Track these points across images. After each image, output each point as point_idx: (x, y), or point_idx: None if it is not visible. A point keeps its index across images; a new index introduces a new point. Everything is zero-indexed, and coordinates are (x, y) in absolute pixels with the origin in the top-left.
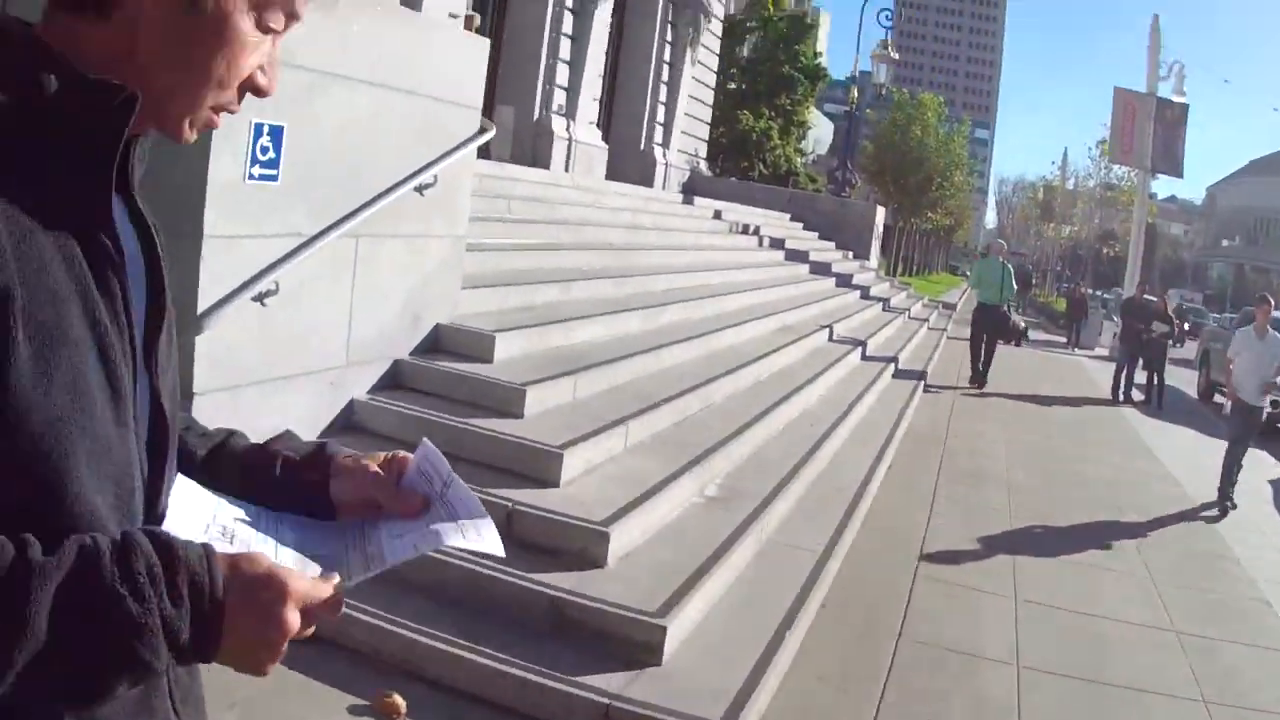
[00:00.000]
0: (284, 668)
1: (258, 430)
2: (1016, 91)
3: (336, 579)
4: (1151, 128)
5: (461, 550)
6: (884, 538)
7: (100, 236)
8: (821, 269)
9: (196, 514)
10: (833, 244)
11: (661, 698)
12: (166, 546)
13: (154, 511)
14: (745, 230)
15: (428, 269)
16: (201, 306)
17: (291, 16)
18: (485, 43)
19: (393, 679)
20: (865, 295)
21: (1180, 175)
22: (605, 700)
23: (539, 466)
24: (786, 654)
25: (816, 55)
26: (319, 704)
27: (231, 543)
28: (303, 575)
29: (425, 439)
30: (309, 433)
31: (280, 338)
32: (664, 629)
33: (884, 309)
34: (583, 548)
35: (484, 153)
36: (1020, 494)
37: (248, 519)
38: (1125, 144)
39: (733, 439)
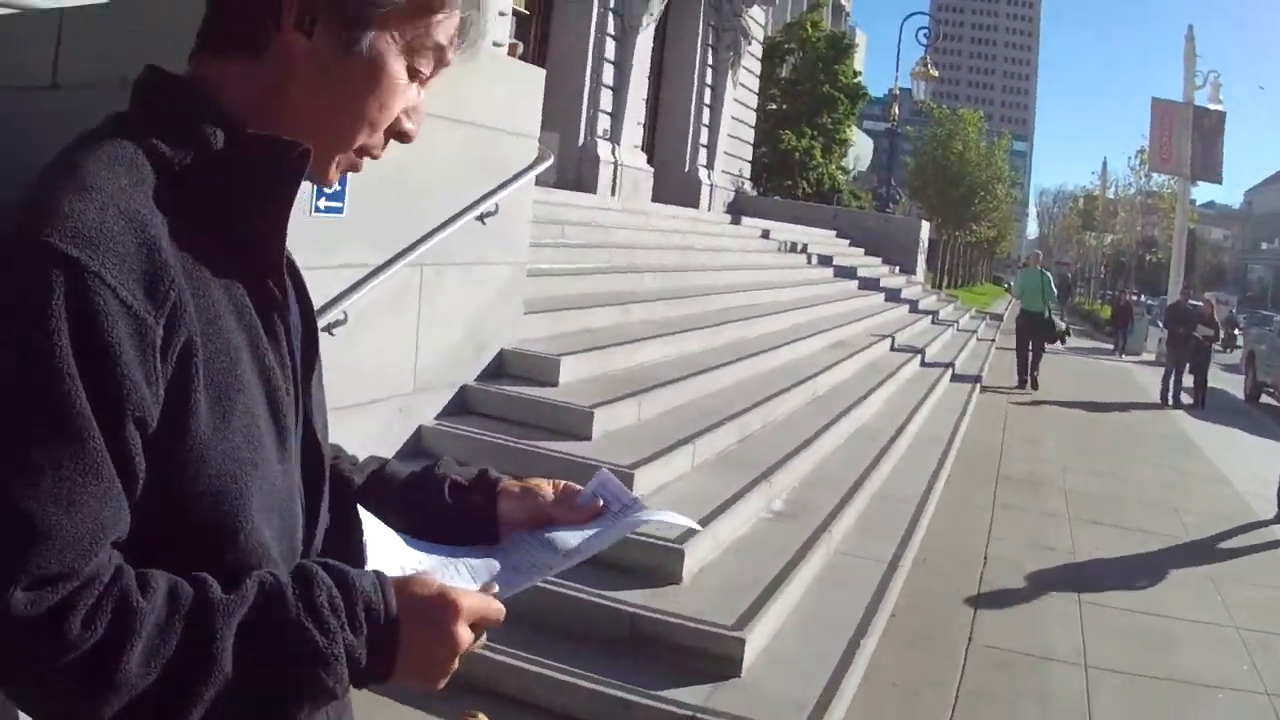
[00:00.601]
0: (362, 693)
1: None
2: (1053, 103)
3: (496, 589)
4: (1190, 135)
5: (656, 521)
6: (948, 545)
7: (268, 283)
8: (870, 284)
9: (390, 556)
10: (879, 259)
11: (743, 709)
12: (342, 576)
13: (312, 542)
14: (794, 249)
15: (490, 295)
16: None
17: (440, 63)
18: (540, 72)
19: (477, 699)
20: (914, 309)
21: (1219, 181)
22: (688, 713)
23: None
24: (861, 662)
25: (855, 74)
26: None
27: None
28: (471, 591)
29: (603, 469)
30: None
31: (349, 367)
32: (742, 641)
33: (932, 321)
34: (658, 565)
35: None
36: (1077, 498)
37: (430, 557)
38: (1164, 153)
39: (795, 455)
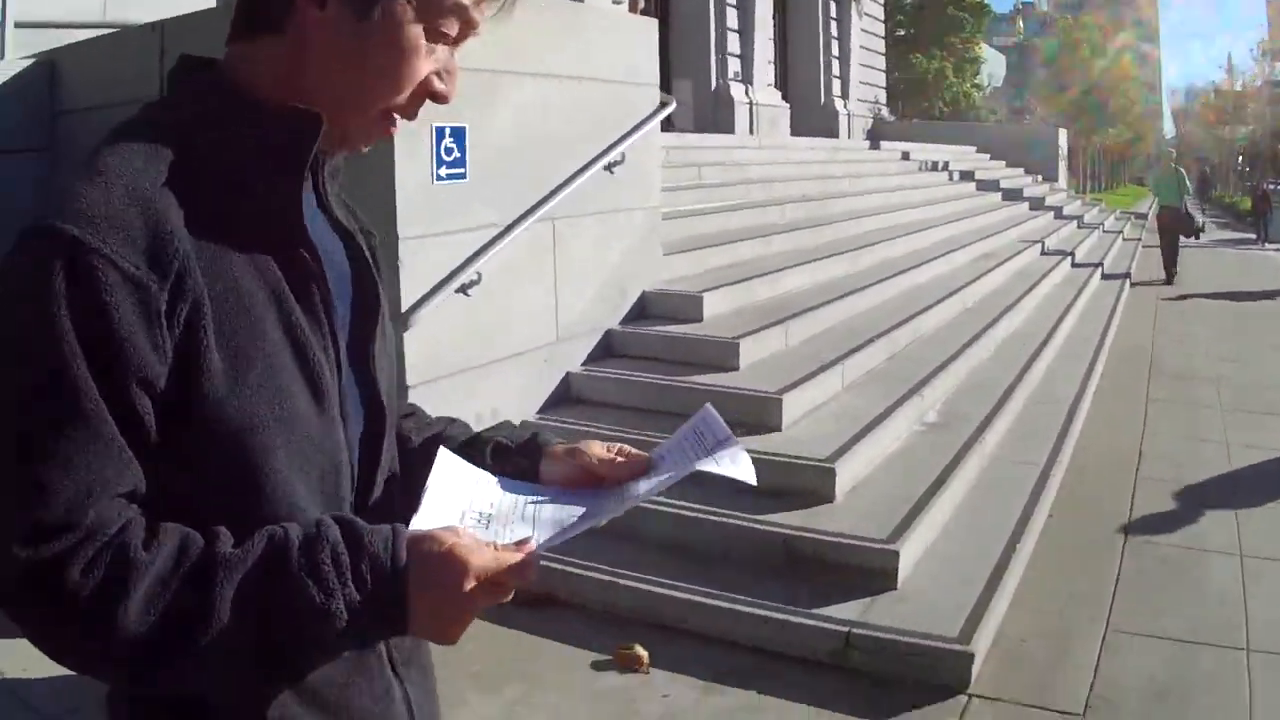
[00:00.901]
0: (522, 632)
1: (473, 413)
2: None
3: (529, 545)
4: None
5: (716, 474)
6: (1103, 445)
7: (300, 251)
8: (1013, 195)
9: (454, 499)
10: (1021, 170)
11: (899, 620)
12: (354, 532)
13: (367, 495)
14: (934, 167)
15: (626, 242)
16: (405, 304)
17: (467, 24)
18: (653, 22)
19: (632, 631)
20: (1059, 215)
21: None
22: (844, 628)
23: (759, 414)
24: (1018, 566)
25: None
26: (561, 663)
27: (488, 526)
28: (485, 549)
29: (708, 405)
30: (528, 409)
31: (488, 324)
32: (896, 554)
33: (1078, 226)
34: (810, 486)
35: (668, 127)
36: (1230, 389)
37: (507, 498)
38: None
39: (946, 366)
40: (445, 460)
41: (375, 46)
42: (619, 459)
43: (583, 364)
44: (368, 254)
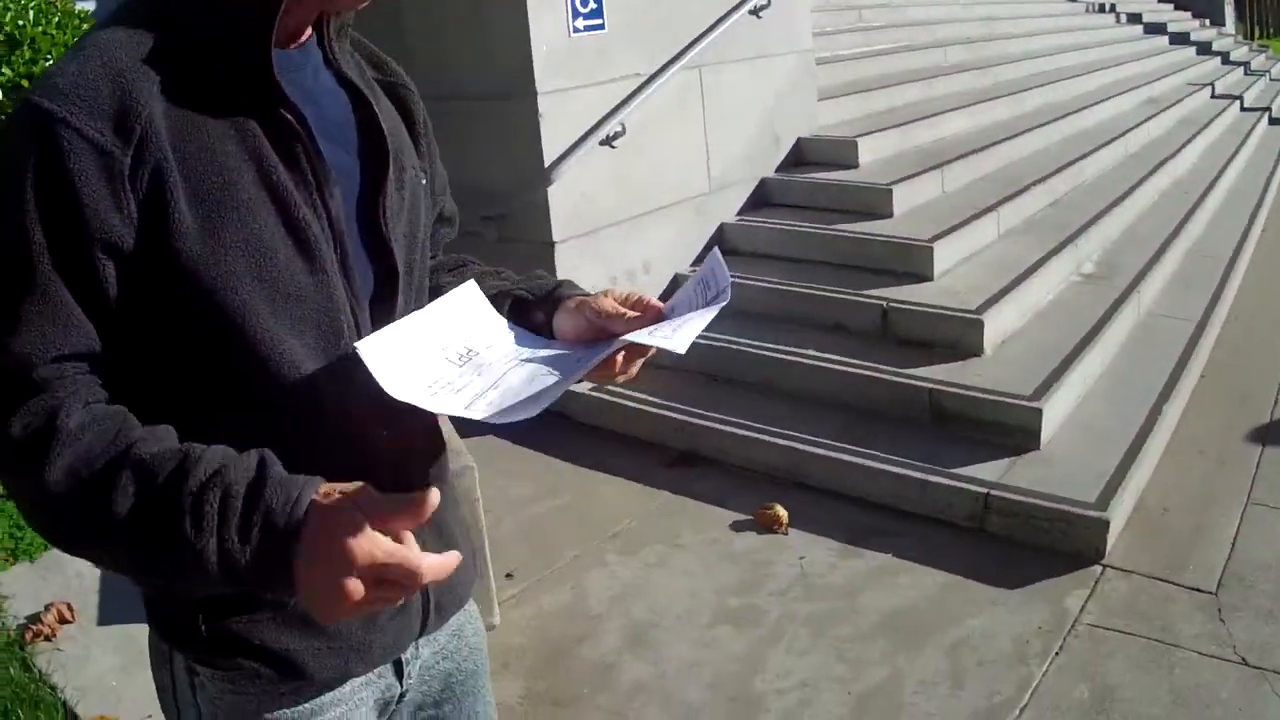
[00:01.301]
0: (666, 491)
1: (623, 268)
2: None
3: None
4: None
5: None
6: (1260, 301)
7: (278, 110)
8: (1180, 39)
9: (451, 328)
10: (1189, 14)
11: (1038, 483)
12: (259, 479)
13: None
14: (1101, 9)
15: (778, 87)
16: (547, 160)
17: None
18: None
19: (776, 491)
20: (1225, 60)
21: None
22: (983, 490)
23: (910, 262)
24: (1165, 428)
25: None
26: (701, 521)
27: (462, 364)
28: (381, 544)
29: (716, 249)
30: (681, 261)
31: (635, 176)
32: (1040, 412)
33: (1245, 72)
34: (958, 337)
35: None
36: None
37: (500, 340)
38: None
39: (1105, 215)
40: (466, 292)
41: None
42: (630, 312)
43: (737, 214)
44: (382, 102)
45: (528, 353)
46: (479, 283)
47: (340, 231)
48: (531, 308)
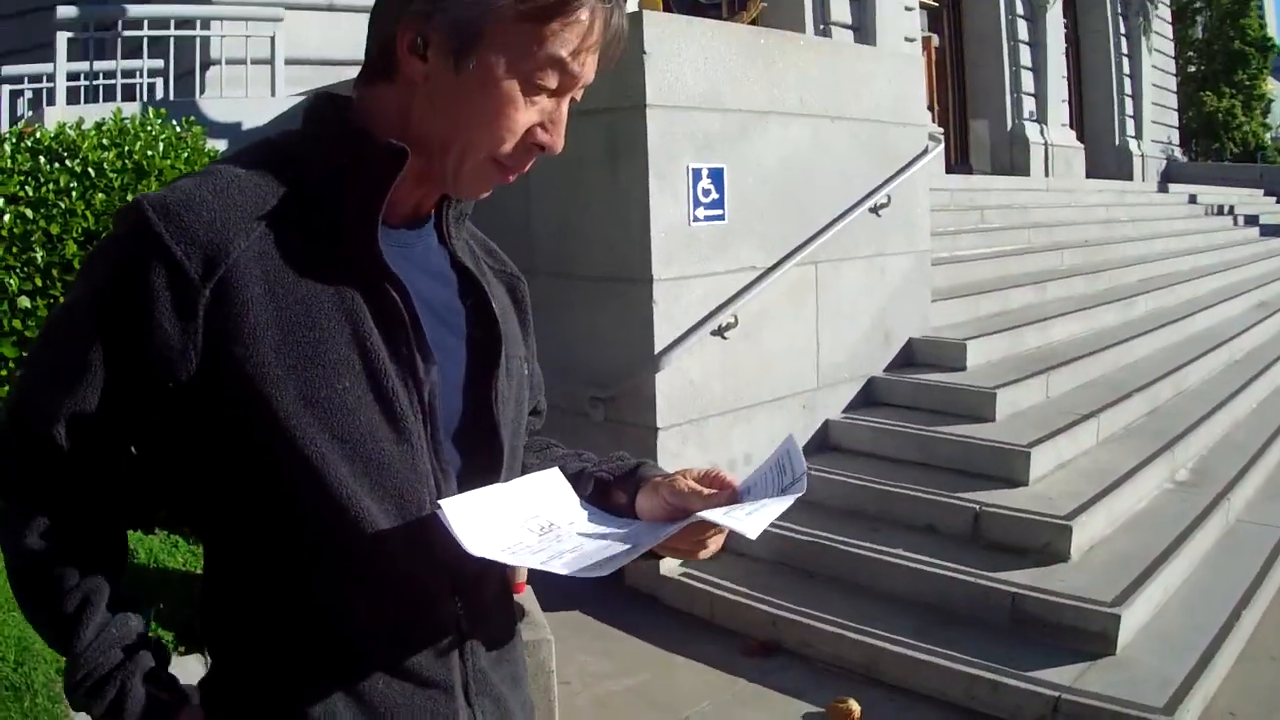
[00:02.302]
0: (744, 679)
1: (726, 458)
2: None
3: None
4: None
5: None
6: None
7: (382, 284)
8: None
9: (533, 502)
10: None
11: (1108, 687)
12: (124, 688)
13: None
14: (1219, 211)
15: (892, 286)
16: (658, 346)
17: (568, 75)
18: (919, 59)
19: (851, 686)
20: None
21: None
22: (1054, 693)
23: (1007, 466)
24: (1240, 636)
25: (1262, 25)
26: (773, 711)
27: (540, 535)
28: None
29: (791, 435)
30: None
31: (744, 368)
32: (1118, 618)
33: None
34: (1046, 543)
35: (962, 168)
36: None
37: (579, 518)
38: None
39: (1203, 422)
40: (550, 475)
41: (471, 97)
42: (705, 489)
43: (843, 411)
44: (498, 294)
45: (605, 529)
46: (562, 464)
47: (433, 408)
48: (613, 489)
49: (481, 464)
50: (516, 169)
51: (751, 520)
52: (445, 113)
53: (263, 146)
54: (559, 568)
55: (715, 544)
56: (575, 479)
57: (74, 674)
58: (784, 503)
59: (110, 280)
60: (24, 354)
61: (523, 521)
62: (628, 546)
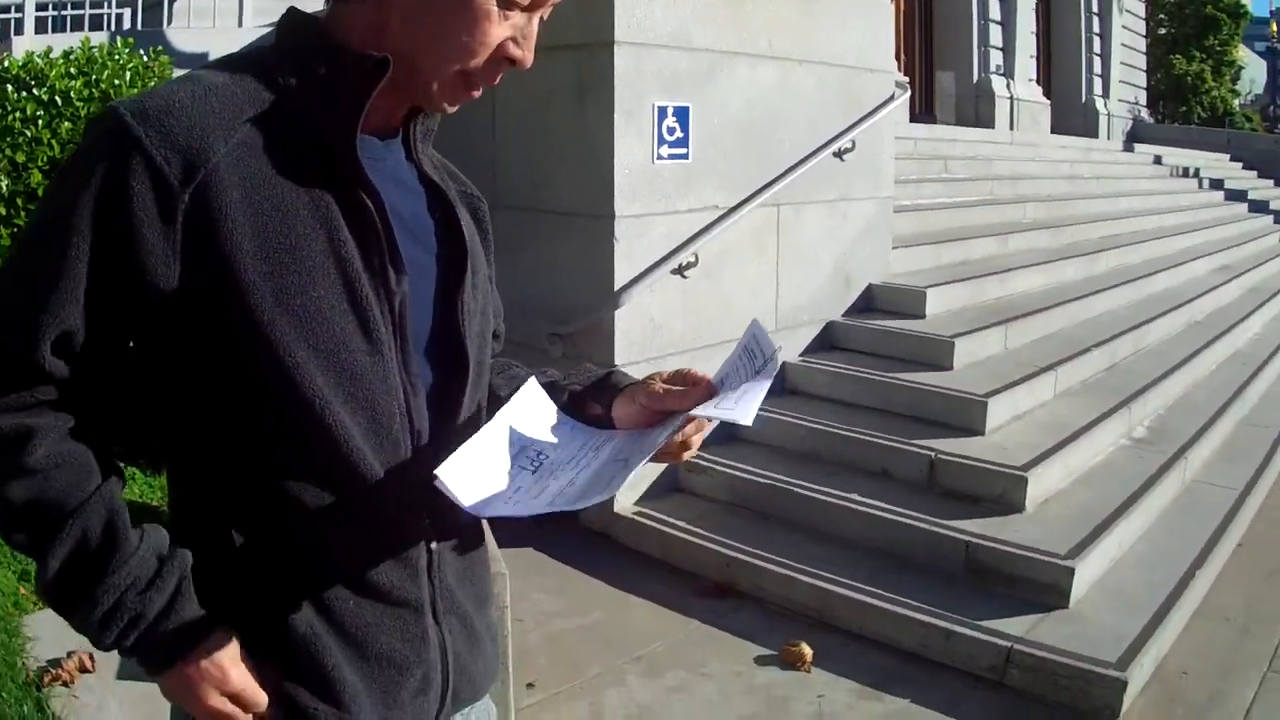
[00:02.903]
0: (697, 620)
1: None
2: None
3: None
4: None
5: (714, 418)
6: None
7: (357, 192)
8: (1260, 207)
9: (524, 431)
10: (1271, 181)
11: (1062, 640)
12: (164, 617)
13: (439, 445)
14: (1185, 174)
15: (854, 232)
16: (618, 283)
17: None
18: (889, 6)
19: (803, 629)
20: None
21: None
22: (1006, 644)
23: (964, 415)
24: (1194, 594)
25: None
26: (725, 653)
27: (536, 471)
28: (237, 675)
29: (756, 319)
30: None
31: (703, 307)
32: (1072, 571)
33: None
34: (1001, 492)
35: (925, 118)
36: None
37: (564, 443)
38: None
39: (1163, 380)
40: (528, 392)
41: (444, 11)
42: (679, 388)
43: (800, 355)
44: (463, 213)
45: (594, 445)
46: (533, 377)
47: (403, 320)
48: (587, 400)
49: (449, 378)
50: (486, 82)
51: (742, 407)
52: (419, 26)
53: (241, 57)
54: (563, 504)
55: (697, 441)
56: (548, 391)
57: (115, 580)
58: (764, 384)
59: (90, 187)
60: None
61: (515, 461)
62: (622, 461)
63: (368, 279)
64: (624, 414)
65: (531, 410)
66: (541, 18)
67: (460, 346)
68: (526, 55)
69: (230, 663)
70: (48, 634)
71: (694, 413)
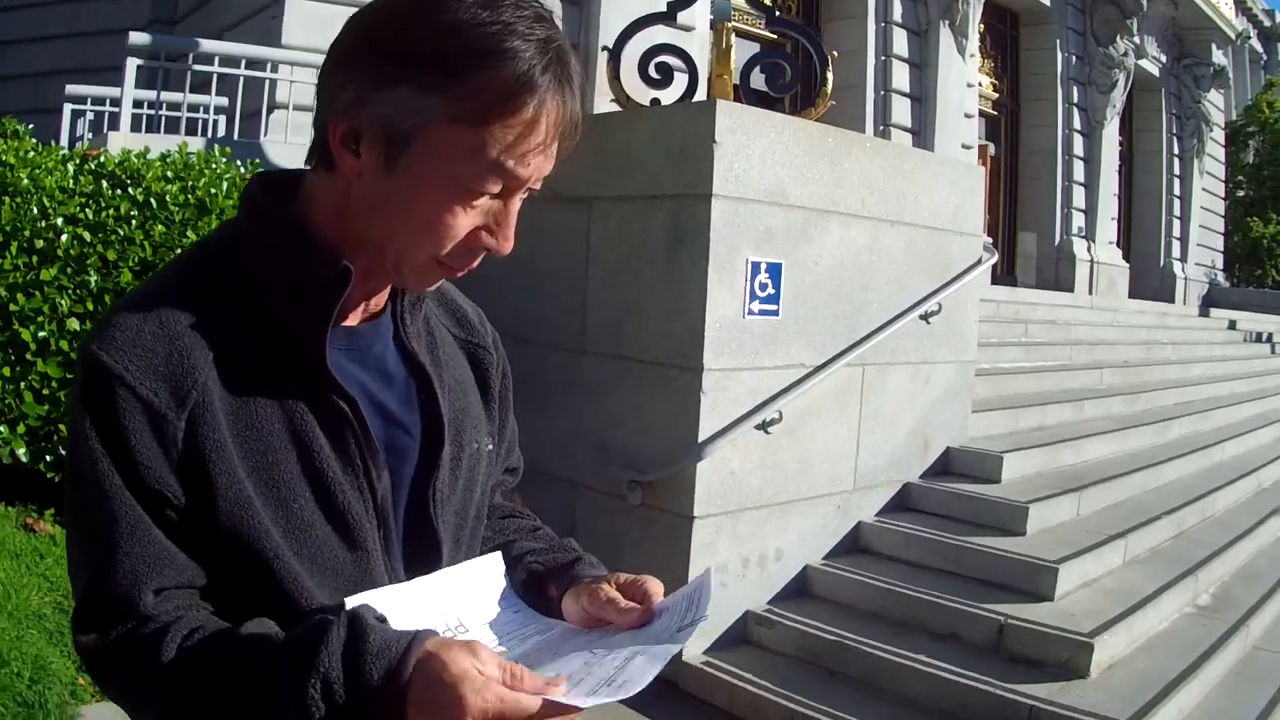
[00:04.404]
0: None
1: (757, 553)
2: None
3: (558, 687)
4: None
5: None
6: None
7: (328, 397)
8: None
9: (458, 596)
10: None
11: None
12: (354, 652)
13: None
14: (1259, 339)
15: (935, 394)
16: (702, 435)
17: (513, 179)
18: (980, 170)
19: None
20: None
21: None
22: None
23: (1034, 581)
24: None
25: None
26: None
27: (450, 633)
28: (492, 688)
29: (709, 568)
30: (815, 553)
31: (783, 463)
32: None
33: None
34: (1067, 658)
35: (1006, 280)
36: None
37: (498, 617)
38: None
39: (1227, 549)
40: (486, 564)
41: (404, 201)
42: (623, 603)
43: (876, 514)
44: (448, 374)
45: (515, 640)
46: (512, 540)
47: (385, 512)
48: (547, 581)
49: (422, 562)
50: (461, 268)
51: (626, 677)
52: (379, 213)
53: (201, 255)
54: None
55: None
56: (514, 563)
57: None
58: (672, 650)
59: (100, 439)
60: (66, 376)
61: (434, 619)
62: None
63: (348, 484)
64: (571, 608)
65: (482, 579)
66: (531, 190)
67: (433, 532)
68: (503, 245)
69: (466, 676)
70: None
71: (557, 697)
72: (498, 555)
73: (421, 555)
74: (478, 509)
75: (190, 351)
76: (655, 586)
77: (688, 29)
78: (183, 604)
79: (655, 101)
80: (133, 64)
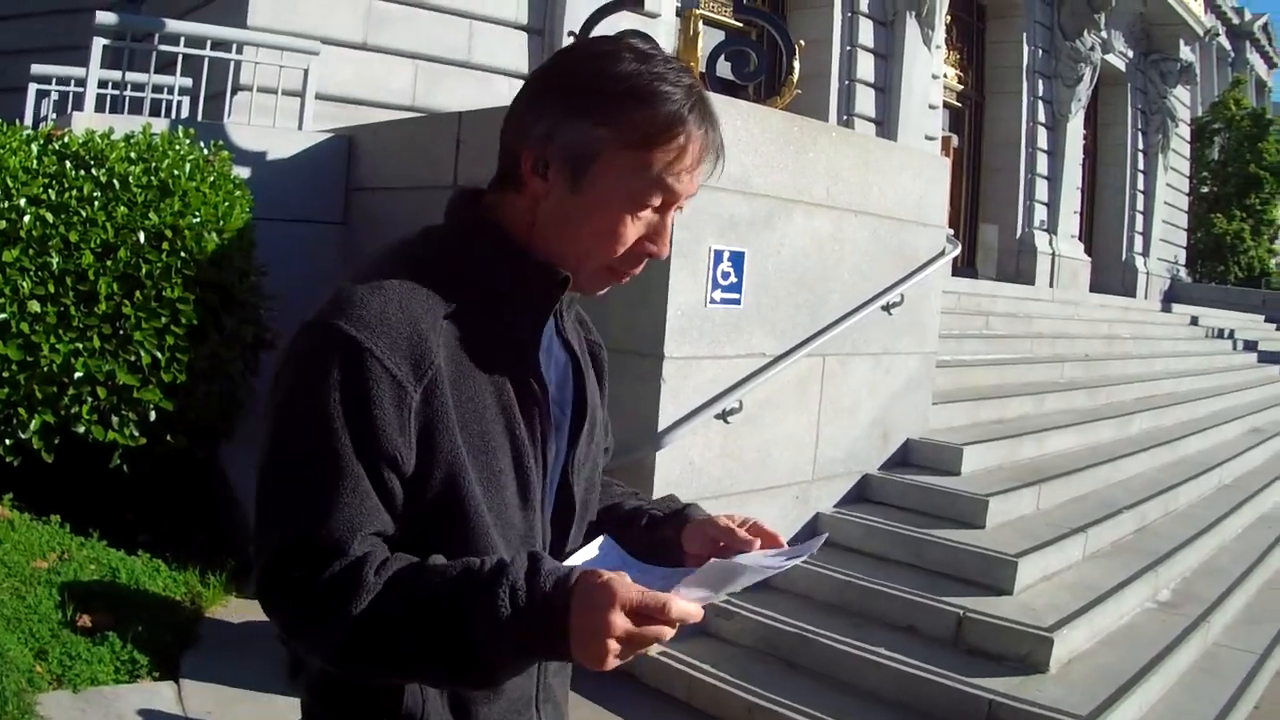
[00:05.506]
0: None
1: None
2: None
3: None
4: None
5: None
6: None
7: (529, 380)
8: None
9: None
10: None
11: None
12: (535, 564)
13: None
14: (1219, 335)
15: (896, 386)
16: (662, 424)
17: (671, 194)
18: (945, 162)
19: None
20: None
21: None
22: None
23: (994, 574)
24: None
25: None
26: None
27: None
28: (634, 588)
29: (825, 534)
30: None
31: (742, 453)
32: None
33: None
34: (1027, 653)
35: (967, 271)
36: None
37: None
38: None
39: (1189, 544)
40: (600, 545)
41: (585, 214)
42: (746, 536)
43: (834, 505)
44: (589, 366)
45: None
46: (620, 502)
47: (550, 477)
48: (664, 524)
49: (561, 520)
50: (629, 272)
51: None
52: (564, 225)
53: (420, 252)
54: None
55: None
56: (630, 516)
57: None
58: (792, 562)
59: (341, 401)
60: (26, 359)
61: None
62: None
63: (530, 450)
64: (693, 539)
65: (600, 560)
66: (679, 208)
67: (570, 496)
68: (662, 249)
69: (614, 579)
70: (62, 714)
71: (741, 559)
72: (606, 538)
73: (562, 515)
74: (598, 477)
75: (427, 335)
76: (771, 528)
77: (654, 15)
78: (376, 547)
79: None
80: (99, 44)
